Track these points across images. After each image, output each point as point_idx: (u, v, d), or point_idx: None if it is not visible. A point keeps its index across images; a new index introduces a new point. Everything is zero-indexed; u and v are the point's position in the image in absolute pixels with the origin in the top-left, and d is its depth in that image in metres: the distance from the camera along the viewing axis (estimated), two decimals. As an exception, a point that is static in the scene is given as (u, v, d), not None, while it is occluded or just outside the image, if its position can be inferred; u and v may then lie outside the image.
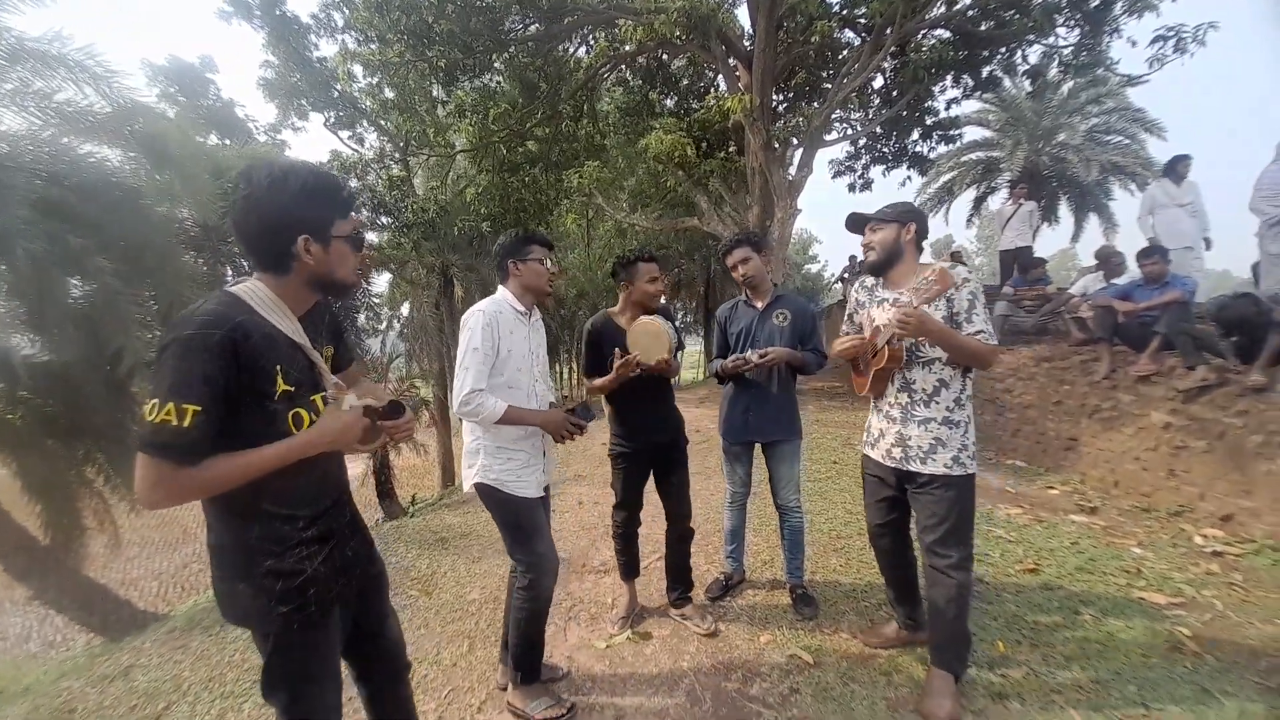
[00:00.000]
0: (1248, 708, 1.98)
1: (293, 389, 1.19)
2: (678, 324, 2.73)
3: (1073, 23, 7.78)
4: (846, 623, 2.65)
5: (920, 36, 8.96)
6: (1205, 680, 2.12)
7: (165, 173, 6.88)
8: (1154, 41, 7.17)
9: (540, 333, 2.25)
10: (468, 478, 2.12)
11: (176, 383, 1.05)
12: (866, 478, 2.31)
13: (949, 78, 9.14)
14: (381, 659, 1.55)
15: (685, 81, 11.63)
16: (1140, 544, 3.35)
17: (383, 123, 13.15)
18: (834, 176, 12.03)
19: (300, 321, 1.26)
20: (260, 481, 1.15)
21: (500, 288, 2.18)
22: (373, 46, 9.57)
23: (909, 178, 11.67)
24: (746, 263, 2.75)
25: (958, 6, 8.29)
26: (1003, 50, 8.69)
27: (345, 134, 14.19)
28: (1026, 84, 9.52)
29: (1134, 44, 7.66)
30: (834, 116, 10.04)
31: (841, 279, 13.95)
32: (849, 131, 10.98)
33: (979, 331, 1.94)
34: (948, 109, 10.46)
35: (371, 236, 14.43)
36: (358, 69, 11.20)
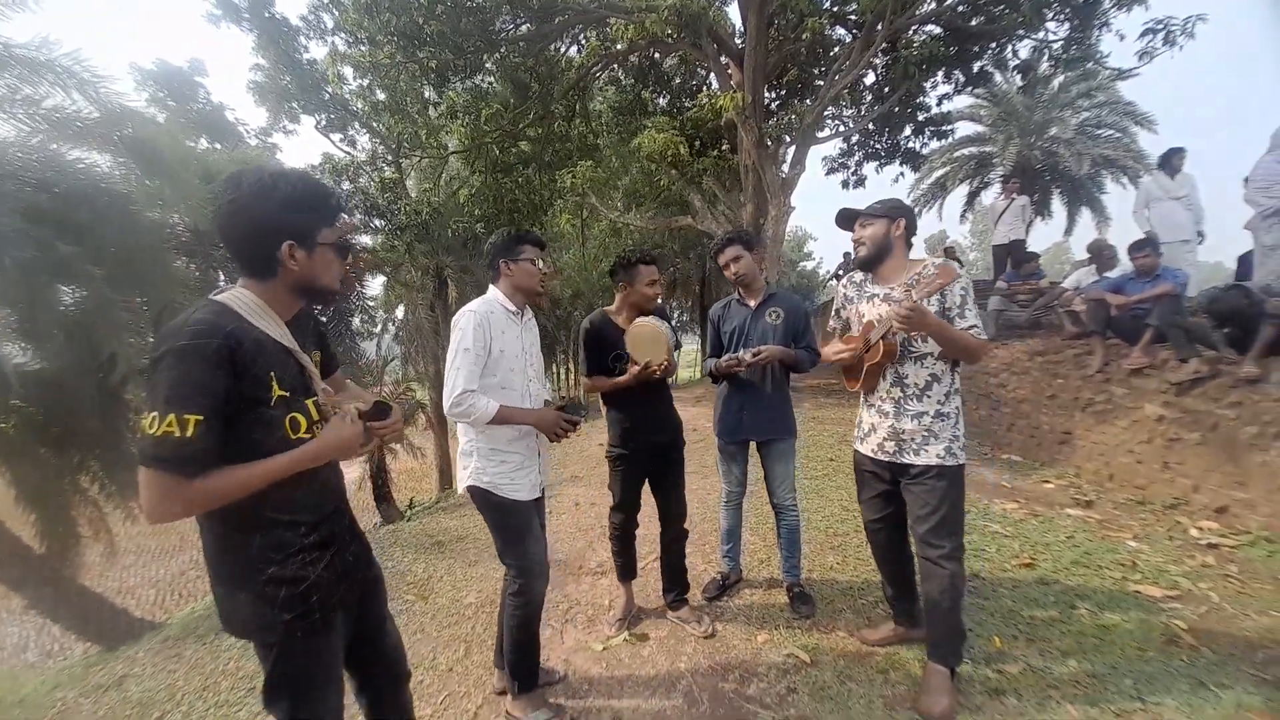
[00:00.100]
0: (1244, 700, 1.98)
1: (288, 394, 1.20)
2: (674, 323, 2.73)
3: (1062, 17, 7.79)
4: (844, 621, 2.64)
5: (911, 32, 8.97)
6: (1201, 673, 2.13)
7: (155, 178, 6.84)
8: (1143, 35, 7.18)
9: (533, 332, 2.24)
10: (461, 480, 2.11)
11: (175, 394, 1.04)
12: (859, 473, 2.32)
13: (940, 73, 9.14)
14: (381, 663, 1.54)
15: (677, 80, 11.62)
16: (1135, 537, 3.36)
17: (375, 125, 13.10)
18: (827, 173, 12.05)
19: (287, 327, 1.26)
20: (261, 490, 1.15)
21: (491, 287, 2.16)
22: (363, 48, 9.53)
23: (902, 174, 11.72)
24: (738, 261, 2.74)
25: (948, 2, 8.30)
26: (993, 45, 8.70)
27: (337, 136, 14.13)
28: (1017, 79, 9.57)
29: (1123, 38, 7.67)
30: (826, 113, 10.04)
31: (836, 276, 13.97)
32: (841, 128, 10.99)
33: (971, 326, 1.97)
34: (939, 105, 10.51)
35: (365, 239, 14.39)
36: (348, 71, 11.15)
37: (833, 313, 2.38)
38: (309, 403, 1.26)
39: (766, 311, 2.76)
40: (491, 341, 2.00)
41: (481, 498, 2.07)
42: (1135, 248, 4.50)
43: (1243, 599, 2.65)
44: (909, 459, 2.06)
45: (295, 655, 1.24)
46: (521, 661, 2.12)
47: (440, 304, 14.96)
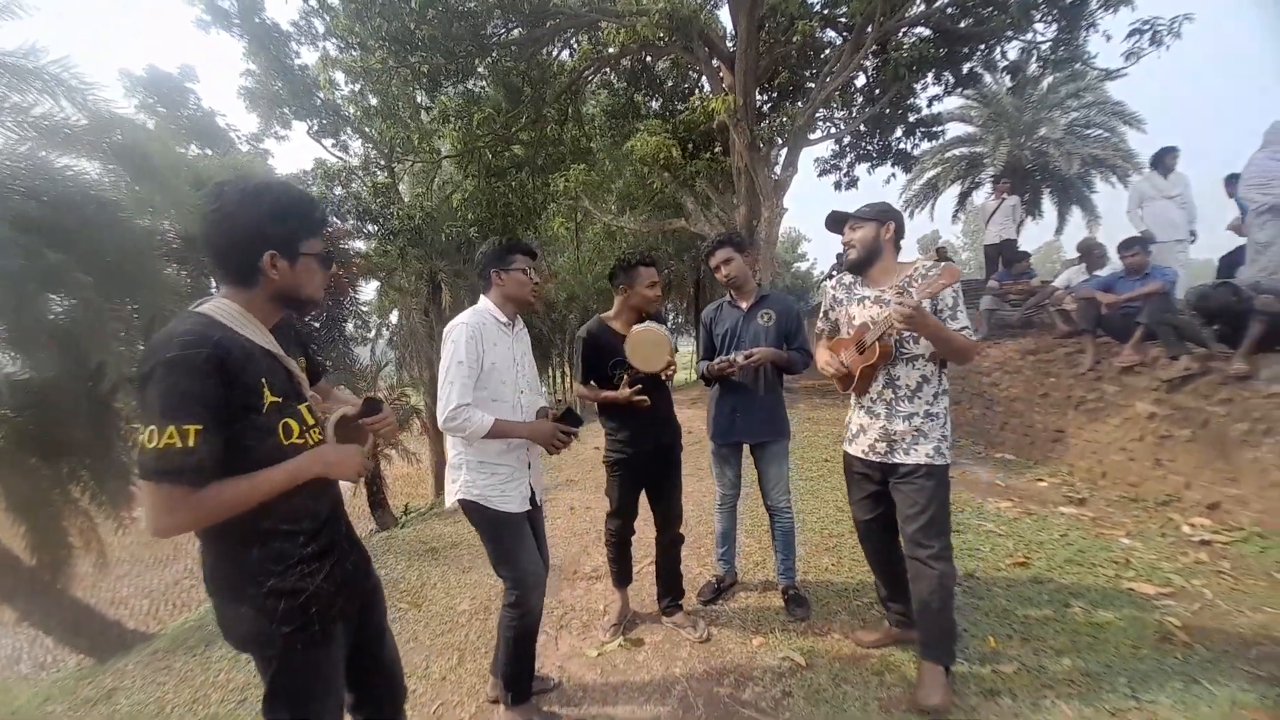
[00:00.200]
0: (1239, 697, 1.98)
1: (280, 400, 1.20)
2: (669, 325, 2.73)
3: (1050, 18, 7.85)
4: (839, 622, 2.64)
5: (900, 35, 9.02)
6: (1196, 671, 2.13)
7: (145, 184, 6.80)
8: (1130, 35, 7.25)
9: (524, 342, 2.22)
10: (450, 493, 2.08)
11: (171, 405, 1.04)
12: (849, 474, 2.32)
13: (930, 75, 9.19)
14: (381, 676, 1.53)
15: (670, 83, 11.65)
16: (1129, 534, 3.37)
17: (367, 130, 13.08)
18: (820, 175, 12.09)
19: (270, 334, 1.26)
20: (261, 501, 1.15)
21: (483, 297, 2.15)
22: (354, 53, 9.51)
23: (893, 175, 11.76)
24: (729, 263, 2.74)
25: (937, 4, 8.36)
26: (982, 47, 8.75)
27: (329, 142, 14.10)
28: (1006, 80, 9.61)
29: (1109, 38, 7.75)
30: (818, 115, 10.09)
31: (829, 276, 14.03)
32: (833, 130, 11.04)
33: (963, 327, 1.99)
34: (930, 106, 10.55)
35: (359, 244, 14.35)
36: (339, 76, 11.14)
37: (821, 315, 2.39)
38: (302, 408, 1.27)
39: (759, 313, 2.76)
40: (484, 354, 1.99)
41: (472, 511, 2.04)
42: (1124, 246, 4.53)
43: (1236, 595, 2.66)
44: (899, 458, 2.08)
45: (295, 667, 1.23)
46: (517, 672, 2.10)
47: (434, 309, 14.93)
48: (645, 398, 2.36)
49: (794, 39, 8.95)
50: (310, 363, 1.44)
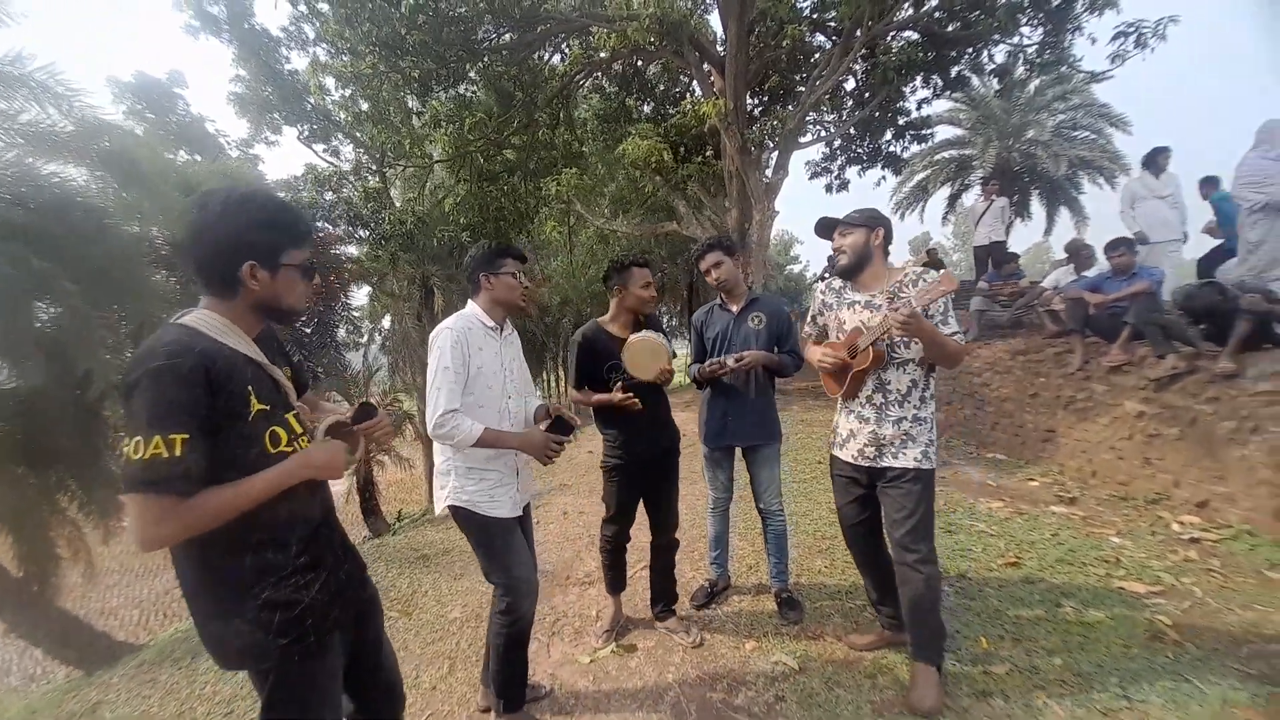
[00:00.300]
0: (1230, 696, 1.98)
1: (267, 408, 1.20)
2: (663, 328, 2.72)
3: (1036, 22, 7.93)
4: (831, 625, 2.63)
5: (889, 38, 9.09)
6: (1186, 669, 2.14)
7: (133, 191, 6.75)
8: (1115, 38, 7.32)
9: (513, 346, 2.20)
10: (439, 500, 2.06)
11: (157, 415, 1.03)
12: (836, 478, 2.32)
13: (918, 78, 9.25)
14: (379, 687, 1.52)
15: (661, 87, 11.68)
16: (1119, 533, 3.39)
17: (358, 135, 13.04)
18: (811, 178, 12.15)
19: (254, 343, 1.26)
20: (247, 510, 1.13)
21: (470, 302, 2.13)
22: (345, 59, 9.48)
23: (884, 177, 11.86)
24: (719, 267, 2.74)
25: (924, 8, 8.42)
26: (970, 50, 8.83)
27: (320, 147, 14.06)
28: (994, 83, 9.70)
29: (1094, 41, 7.83)
30: (808, 119, 10.14)
31: (822, 278, 14.07)
32: (823, 133, 11.09)
33: (954, 332, 2.01)
34: (919, 109, 10.63)
35: (350, 249, 14.28)
36: (330, 82, 11.10)
37: (809, 319, 2.39)
38: (289, 417, 1.26)
39: (749, 316, 2.76)
40: (470, 359, 1.97)
41: (462, 517, 2.03)
42: (1111, 246, 4.56)
43: (1226, 593, 2.67)
44: (887, 462, 2.09)
45: (293, 680, 1.22)
46: (508, 681, 2.08)
47: (427, 313, 14.87)
48: (636, 400, 2.34)
49: (784, 43, 9.00)
50: (296, 373, 1.43)
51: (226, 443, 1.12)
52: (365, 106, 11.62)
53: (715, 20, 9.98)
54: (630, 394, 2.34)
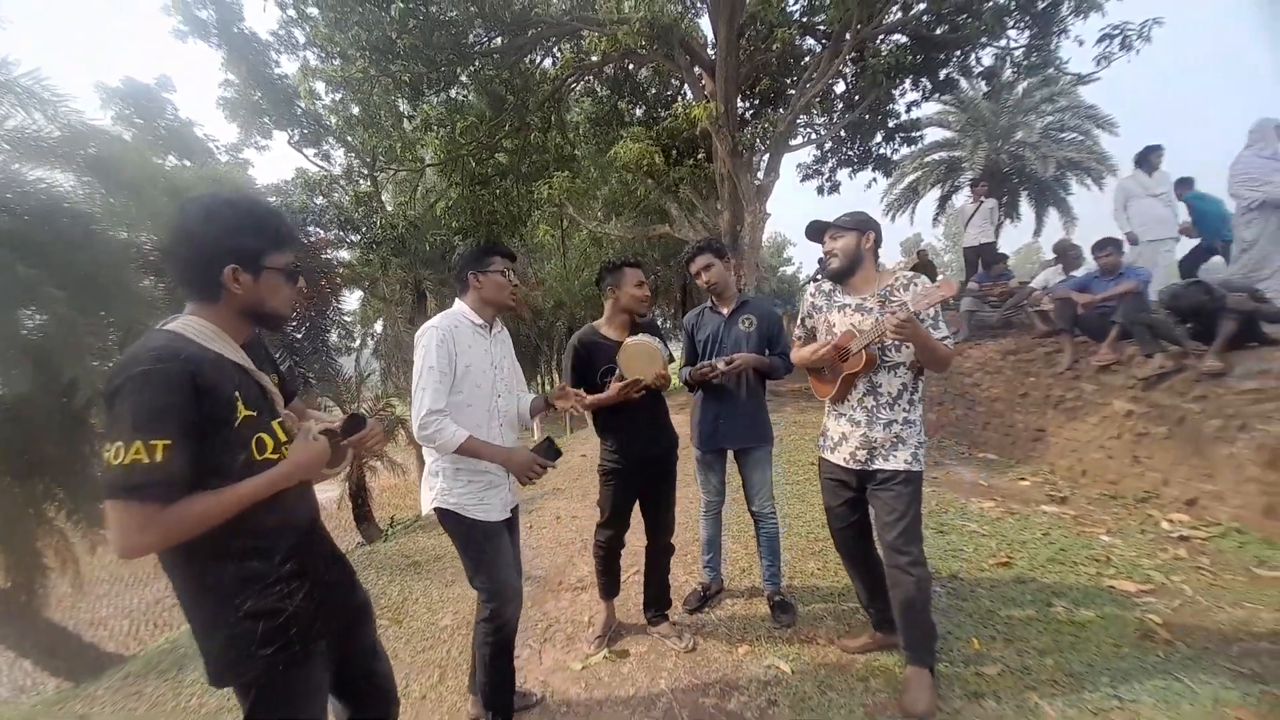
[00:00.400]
0: (1222, 695, 1.98)
1: (254, 414, 1.19)
2: (660, 331, 2.71)
3: (1022, 25, 8.01)
4: (824, 628, 2.63)
5: (878, 42, 9.15)
6: (1177, 668, 2.14)
7: (120, 196, 6.70)
8: (1100, 40, 7.40)
9: (504, 344, 2.17)
10: (426, 501, 2.04)
11: (140, 420, 1.02)
12: (826, 481, 2.32)
13: (907, 81, 9.32)
14: (374, 694, 1.50)
15: (653, 90, 11.71)
16: (1109, 531, 3.40)
17: (349, 139, 12.98)
18: (802, 180, 12.22)
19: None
20: (230, 518, 1.12)
21: (458, 300, 2.11)
22: (335, 63, 9.46)
23: (874, 179, 11.90)
24: (709, 269, 2.74)
25: (913, 12, 8.48)
26: (958, 53, 8.90)
27: (311, 151, 13.99)
28: (982, 85, 9.78)
29: (1081, 43, 7.90)
30: (799, 121, 10.19)
31: (814, 279, 14.08)
32: (814, 136, 11.14)
33: (944, 337, 2.02)
34: (908, 111, 10.69)
35: (343, 254, 14.21)
36: (320, 86, 11.06)
37: (799, 321, 2.39)
38: (275, 424, 1.25)
39: (740, 319, 2.76)
40: (457, 357, 1.94)
41: (449, 520, 2.00)
42: (1098, 247, 4.60)
43: (1215, 591, 2.69)
44: (878, 464, 2.09)
45: (276, 691, 1.20)
46: (496, 689, 2.05)
47: (420, 317, 14.81)
48: (639, 384, 2.31)
49: (774, 46, 9.06)
50: (283, 380, 1.42)
51: (212, 449, 1.11)
52: (356, 110, 11.56)
53: (706, 24, 10.03)
54: (631, 382, 2.30)
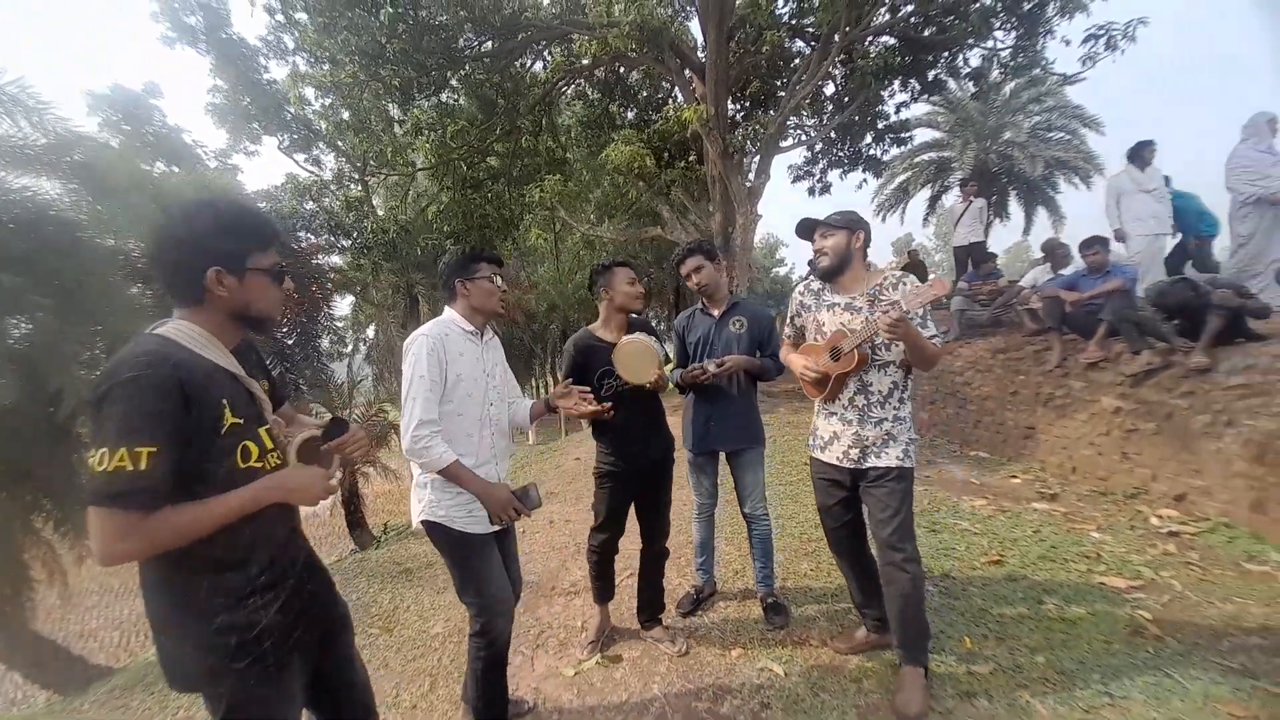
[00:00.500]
0: (1212, 690, 1.99)
1: (241, 421, 1.17)
2: (655, 330, 2.69)
3: (1009, 26, 8.07)
4: (817, 629, 2.62)
5: (866, 43, 9.20)
6: (1167, 664, 2.15)
7: (107, 203, 6.64)
8: (1085, 40, 7.46)
9: (495, 351, 2.14)
10: (416, 514, 1.99)
11: (125, 426, 1.01)
12: (818, 482, 2.31)
13: (896, 82, 9.38)
14: (351, 707, 1.48)
15: (644, 93, 11.73)
16: (1099, 528, 3.42)
17: (339, 144, 12.94)
18: (793, 181, 12.26)
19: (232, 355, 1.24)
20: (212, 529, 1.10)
21: (447, 308, 2.07)
22: (325, 68, 9.43)
23: (865, 180, 11.97)
24: (700, 271, 2.74)
25: (901, 14, 8.54)
26: (946, 54, 8.96)
27: (301, 156, 13.94)
28: (970, 86, 9.85)
29: (1068, 43, 7.97)
30: (789, 123, 10.22)
31: (805, 279, 14.13)
32: (804, 137, 11.18)
33: (933, 335, 2.03)
34: (897, 112, 10.75)
35: (334, 259, 14.13)
36: (310, 91, 11.03)
37: (787, 320, 2.39)
38: (262, 431, 1.24)
39: (730, 320, 2.75)
40: (448, 366, 1.90)
41: (437, 533, 1.95)
42: (1085, 245, 4.64)
43: (1205, 586, 2.70)
44: (871, 461, 2.10)
45: (247, 704, 1.18)
46: (489, 704, 2.02)
47: (412, 322, 14.76)
48: (609, 409, 2.26)
49: (763, 49, 9.09)
50: (273, 386, 1.40)
51: (196, 455, 1.10)
52: (346, 115, 11.52)
53: (695, 27, 10.06)
54: (606, 406, 2.26)
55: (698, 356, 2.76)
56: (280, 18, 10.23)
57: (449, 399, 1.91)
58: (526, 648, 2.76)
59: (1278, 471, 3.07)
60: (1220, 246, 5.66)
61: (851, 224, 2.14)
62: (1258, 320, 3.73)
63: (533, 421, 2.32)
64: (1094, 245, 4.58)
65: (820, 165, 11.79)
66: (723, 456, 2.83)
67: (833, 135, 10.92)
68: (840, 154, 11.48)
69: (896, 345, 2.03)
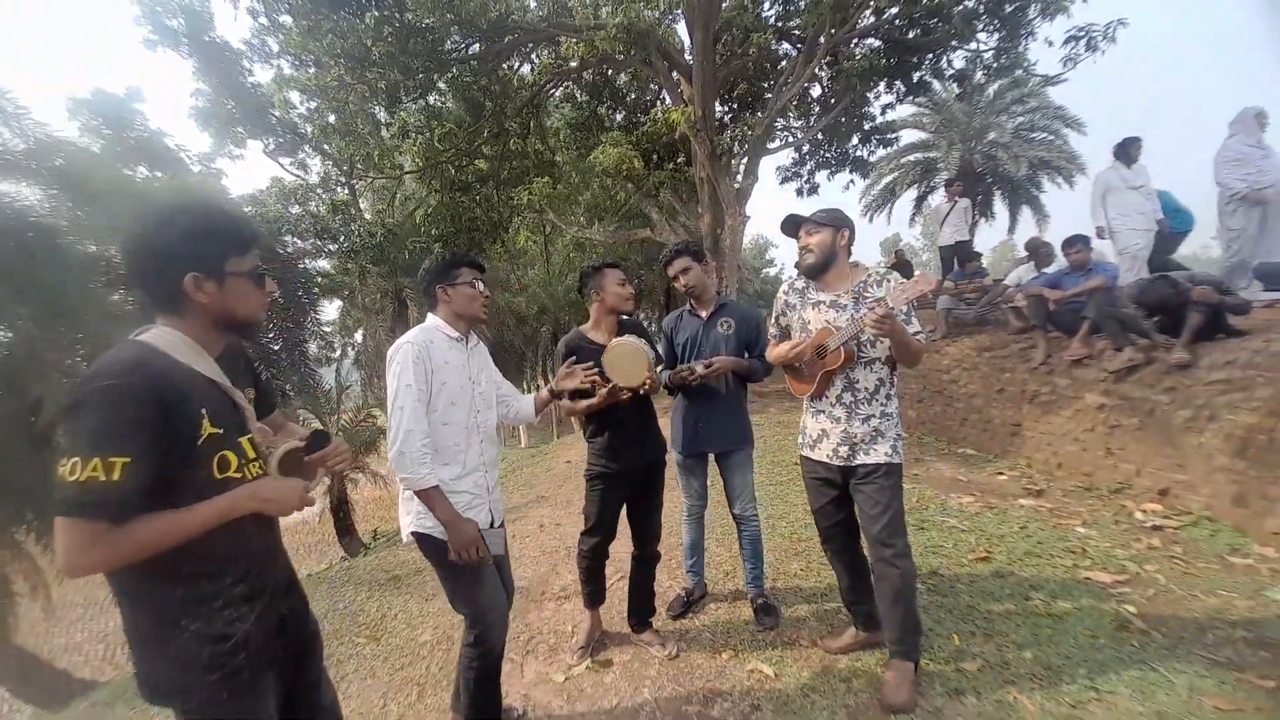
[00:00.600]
0: (1197, 684, 2.00)
1: (220, 431, 1.15)
2: (646, 332, 2.68)
3: (991, 28, 8.16)
4: (807, 629, 2.62)
5: (852, 45, 9.28)
6: (1153, 658, 2.16)
7: (90, 210, 6.55)
8: (1066, 42, 7.56)
9: (481, 356, 2.11)
10: (405, 525, 1.94)
11: (100, 435, 0.99)
12: (810, 481, 2.32)
13: (881, 84, 9.46)
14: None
15: (632, 96, 11.74)
16: (1084, 523, 3.45)
17: (325, 147, 12.82)
18: (781, 182, 12.32)
19: (216, 363, 1.22)
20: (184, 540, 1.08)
21: (430, 315, 2.03)
22: (310, 71, 9.35)
23: (852, 181, 12.05)
24: (687, 273, 2.74)
25: (885, 16, 8.61)
26: (930, 56, 9.05)
27: (287, 160, 13.80)
28: (954, 87, 9.94)
29: (1051, 44, 8.07)
30: (776, 125, 10.27)
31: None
32: (791, 139, 11.25)
33: (917, 332, 2.05)
34: (883, 114, 10.86)
35: (322, 263, 14.00)
36: (295, 95, 10.93)
37: (772, 319, 2.39)
38: (243, 441, 1.21)
39: (718, 322, 2.75)
40: (433, 374, 1.86)
41: (427, 544, 1.90)
42: (1068, 244, 4.69)
43: (1189, 579, 2.73)
44: (860, 459, 2.11)
45: (219, 717, 1.15)
46: (481, 713, 1.99)
47: (401, 326, 14.66)
48: (625, 390, 2.27)
49: (750, 51, 9.15)
50: (262, 394, 1.38)
51: (171, 465, 1.07)
52: (332, 119, 11.43)
53: (683, 29, 10.10)
54: (614, 384, 2.26)
55: (685, 358, 2.76)
56: (264, 20, 10.14)
57: (435, 407, 1.88)
58: (516, 654, 2.74)
59: (1259, 465, 3.11)
60: (1200, 244, 5.74)
61: (836, 221, 2.15)
62: (1237, 316, 3.79)
63: (538, 414, 2.32)
64: (1076, 243, 4.63)
65: (808, 166, 11.86)
66: (711, 458, 2.82)
67: (820, 136, 10.99)
68: (827, 155, 11.56)
69: (882, 342, 2.04)
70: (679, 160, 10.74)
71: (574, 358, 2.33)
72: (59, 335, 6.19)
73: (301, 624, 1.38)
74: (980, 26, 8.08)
